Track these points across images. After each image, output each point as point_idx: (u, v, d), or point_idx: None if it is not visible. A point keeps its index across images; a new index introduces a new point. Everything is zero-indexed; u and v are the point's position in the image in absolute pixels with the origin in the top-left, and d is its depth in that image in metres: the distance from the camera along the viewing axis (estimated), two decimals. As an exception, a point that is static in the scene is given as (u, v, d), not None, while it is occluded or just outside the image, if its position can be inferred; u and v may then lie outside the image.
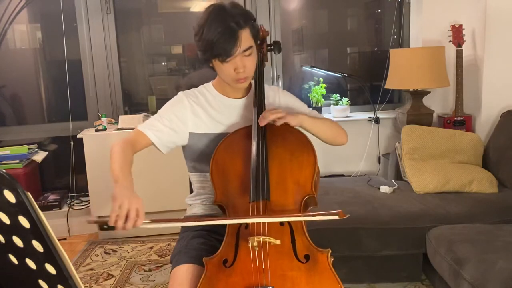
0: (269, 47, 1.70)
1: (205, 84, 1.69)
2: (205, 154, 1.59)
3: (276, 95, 1.71)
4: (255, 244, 1.29)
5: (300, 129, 1.59)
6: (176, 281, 1.43)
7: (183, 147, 1.65)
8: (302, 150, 1.52)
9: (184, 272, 1.44)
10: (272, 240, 1.31)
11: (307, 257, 1.34)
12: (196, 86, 1.69)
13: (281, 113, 1.49)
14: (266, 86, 1.67)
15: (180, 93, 1.64)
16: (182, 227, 1.72)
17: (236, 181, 1.48)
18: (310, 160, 1.50)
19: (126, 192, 1.26)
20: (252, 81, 1.63)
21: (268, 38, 1.71)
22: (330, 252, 1.35)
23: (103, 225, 1.24)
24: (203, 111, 1.61)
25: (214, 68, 1.55)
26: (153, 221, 1.30)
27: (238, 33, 1.43)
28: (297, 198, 1.45)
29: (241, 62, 1.47)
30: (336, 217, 1.29)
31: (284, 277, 1.29)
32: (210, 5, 1.49)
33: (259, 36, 1.56)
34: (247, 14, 1.49)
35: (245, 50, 1.46)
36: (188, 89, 1.67)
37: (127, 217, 1.21)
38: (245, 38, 1.45)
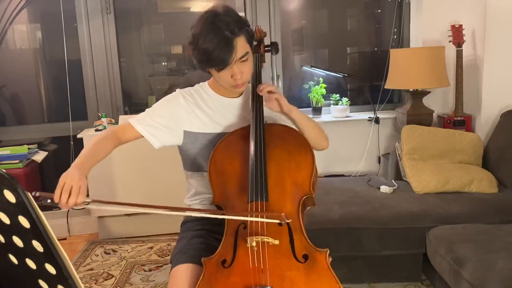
0: (266, 48, 1.70)
1: (201, 83, 1.69)
2: (203, 153, 1.59)
3: None
4: (254, 244, 1.29)
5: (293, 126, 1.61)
6: (176, 281, 1.43)
7: (179, 146, 1.65)
8: (300, 150, 1.52)
9: (184, 272, 1.44)
10: (270, 240, 1.31)
11: (305, 256, 1.34)
12: (193, 85, 1.69)
13: (278, 92, 1.53)
14: None
15: (177, 91, 1.64)
16: (181, 226, 1.72)
17: (234, 182, 1.48)
18: (308, 160, 1.51)
19: (74, 173, 1.35)
20: (250, 83, 1.64)
21: (266, 39, 1.71)
22: (328, 252, 1.35)
23: (47, 199, 1.30)
24: (199, 110, 1.61)
25: (211, 73, 1.55)
26: (94, 201, 1.40)
27: (233, 41, 1.43)
28: (295, 198, 1.45)
29: (238, 69, 1.48)
30: (277, 221, 1.33)
31: (283, 277, 1.29)
32: (204, 12, 1.48)
33: (253, 40, 1.56)
34: (241, 21, 1.48)
35: (241, 57, 1.46)
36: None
37: (70, 193, 1.29)
38: (241, 45, 1.45)
